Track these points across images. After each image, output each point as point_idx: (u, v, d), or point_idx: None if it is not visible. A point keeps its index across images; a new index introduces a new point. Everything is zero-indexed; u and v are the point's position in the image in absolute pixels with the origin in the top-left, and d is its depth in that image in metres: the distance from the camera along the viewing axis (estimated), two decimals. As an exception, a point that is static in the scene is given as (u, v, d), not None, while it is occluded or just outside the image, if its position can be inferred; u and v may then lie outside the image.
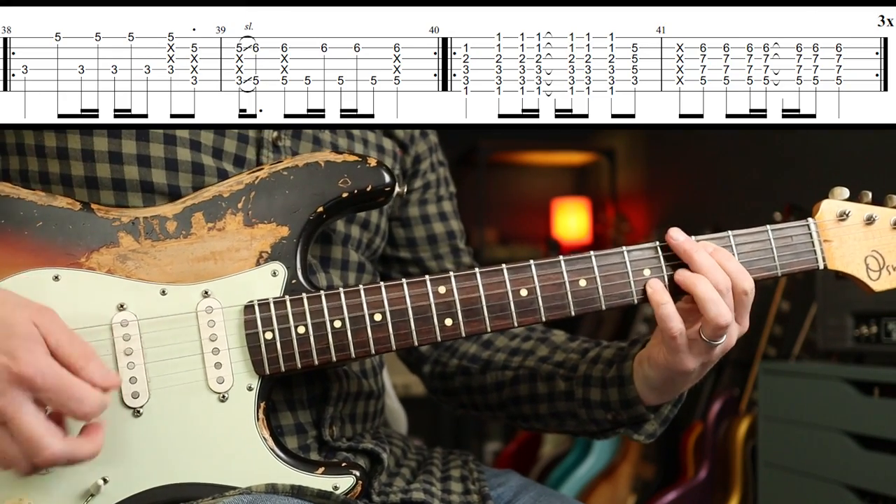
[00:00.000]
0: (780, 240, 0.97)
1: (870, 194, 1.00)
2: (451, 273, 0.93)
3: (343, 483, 0.90)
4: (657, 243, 0.96)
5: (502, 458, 3.79)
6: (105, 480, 0.86)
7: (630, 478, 3.08)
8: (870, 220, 0.98)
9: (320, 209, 0.94)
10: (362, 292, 0.91)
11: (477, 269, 0.93)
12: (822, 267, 0.98)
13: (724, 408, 2.68)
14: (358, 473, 0.91)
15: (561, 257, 0.94)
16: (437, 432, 4.13)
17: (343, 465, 0.92)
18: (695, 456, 2.74)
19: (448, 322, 0.92)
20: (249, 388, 0.90)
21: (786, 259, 0.97)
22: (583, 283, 0.94)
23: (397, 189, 0.97)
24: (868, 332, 1.81)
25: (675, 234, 0.94)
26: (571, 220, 4.34)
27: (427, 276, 0.93)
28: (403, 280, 0.92)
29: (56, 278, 0.88)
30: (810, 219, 0.98)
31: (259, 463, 0.89)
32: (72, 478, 0.86)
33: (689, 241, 0.93)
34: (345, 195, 0.95)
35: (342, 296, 0.91)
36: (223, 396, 0.90)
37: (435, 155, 1.23)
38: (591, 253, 0.95)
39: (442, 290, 0.92)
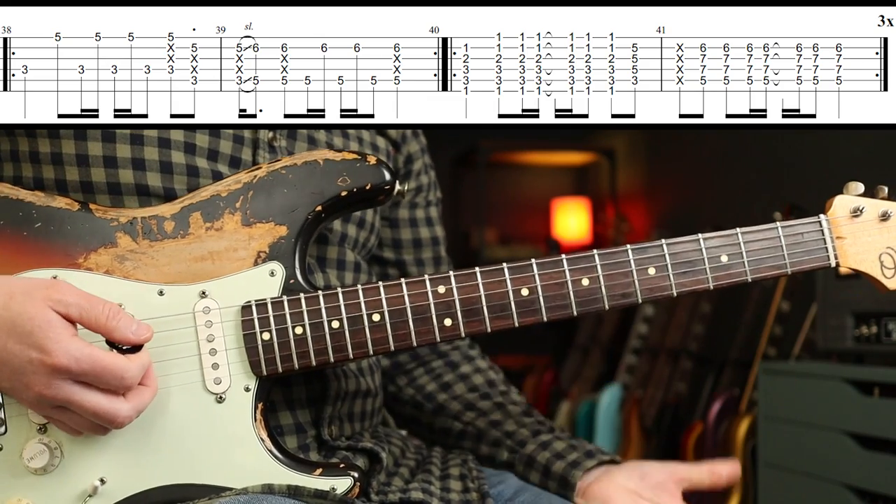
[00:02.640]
0: (790, 237, 0.94)
1: (886, 189, 0.97)
2: (451, 273, 0.92)
3: (340, 484, 0.90)
4: (663, 241, 0.94)
5: (502, 457, 3.78)
6: (103, 481, 0.86)
7: (630, 478, 3.08)
8: (885, 217, 0.95)
9: (319, 208, 0.94)
10: (360, 292, 0.91)
11: (477, 269, 0.92)
12: (834, 265, 0.95)
13: (724, 408, 2.68)
14: (356, 475, 0.91)
15: (563, 256, 0.93)
16: (437, 432, 4.12)
17: (341, 466, 0.92)
18: (695, 456, 2.74)
19: (447, 322, 0.91)
20: (247, 389, 0.90)
21: (796, 257, 0.95)
22: (585, 281, 0.92)
23: (398, 187, 0.96)
24: (868, 332, 1.81)
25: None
26: (571, 220, 4.34)
27: (426, 276, 0.92)
28: (402, 280, 0.92)
29: (54, 279, 0.88)
30: (822, 215, 0.96)
31: (256, 464, 0.89)
32: (70, 478, 0.86)
33: None
34: (344, 194, 0.94)
35: (340, 296, 0.91)
36: (220, 397, 0.89)
37: (426, 156, 1.24)
38: (595, 251, 0.93)
39: (441, 289, 0.92)
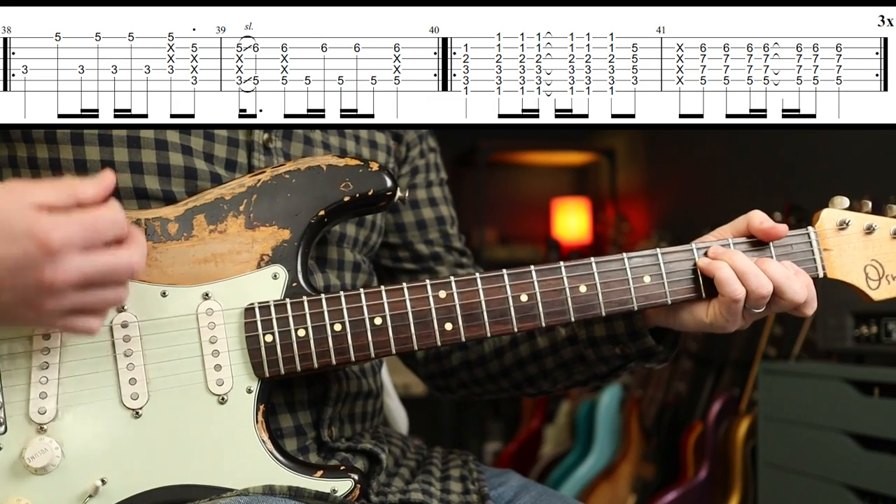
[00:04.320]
0: (779, 248, 0.97)
1: (870, 203, 1.00)
2: (452, 278, 0.93)
3: (341, 486, 0.90)
4: (658, 251, 0.96)
5: (502, 458, 3.79)
6: (104, 481, 0.86)
7: (630, 478, 3.08)
8: (869, 230, 0.98)
9: (322, 213, 0.94)
10: (363, 296, 0.91)
11: (478, 275, 0.93)
12: (821, 275, 0.98)
13: (724, 408, 2.68)
14: (356, 477, 0.91)
15: (561, 263, 0.94)
16: (437, 432, 4.13)
17: (342, 468, 0.92)
18: (695, 456, 2.74)
19: (448, 327, 0.92)
20: (249, 391, 0.90)
21: None
22: (583, 288, 0.94)
23: (399, 193, 0.97)
24: (868, 332, 1.81)
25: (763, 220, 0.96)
26: (571, 220, 4.34)
27: (427, 281, 0.93)
28: (404, 284, 0.92)
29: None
30: (810, 227, 0.98)
31: (257, 466, 0.89)
32: (71, 478, 0.86)
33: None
34: (346, 199, 0.95)
35: (343, 299, 0.91)
36: (222, 399, 0.89)
37: (425, 142, 1.23)
38: (592, 259, 0.95)
39: (442, 294, 0.92)
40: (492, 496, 1.04)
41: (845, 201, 0.99)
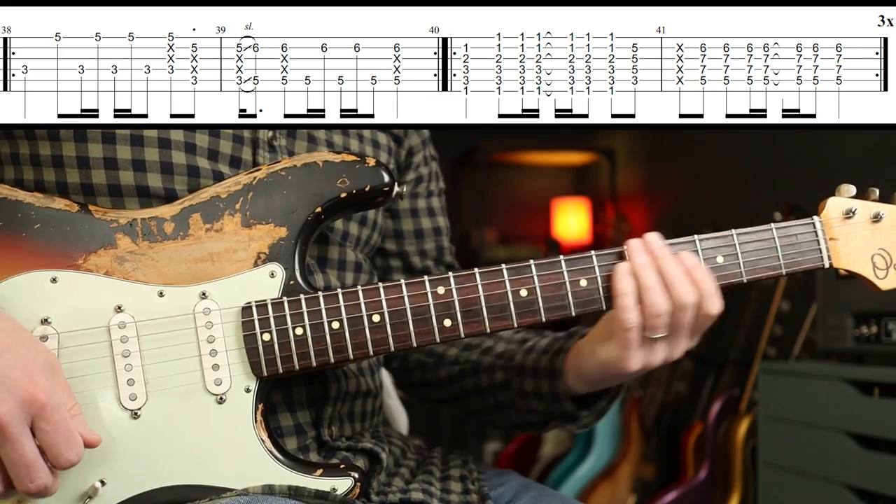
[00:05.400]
0: (784, 238, 0.95)
1: (877, 191, 0.98)
2: (451, 273, 0.92)
3: (341, 485, 0.90)
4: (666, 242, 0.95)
5: (502, 458, 3.79)
6: (103, 482, 0.86)
7: (630, 478, 3.08)
8: (877, 218, 0.97)
9: (318, 209, 0.94)
10: (360, 293, 0.91)
11: (476, 270, 0.93)
12: (827, 266, 0.96)
13: (724, 408, 2.68)
14: (356, 475, 0.91)
15: (561, 257, 0.94)
16: (437, 432, 4.12)
17: (341, 466, 0.92)
18: (695, 456, 2.74)
19: (447, 323, 0.92)
20: (247, 390, 0.90)
21: (790, 258, 0.95)
22: (583, 282, 0.93)
23: (396, 189, 0.97)
24: (868, 332, 1.81)
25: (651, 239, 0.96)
26: (571, 220, 4.34)
27: (426, 277, 0.92)
28: (402, 280, 0.92)
29: (54, 280, 0.88)
30: (816, 217, 0.97)
31: (257, 465, 0.89)
32: (70, 480, 0.86)
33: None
34: (343, 195, 0.95)
35: (340, 297, 0.91)
36: (221, 398, 0.89)
37: (428, 149, 1.23)
38: (592, 252, 0.94)
39: (441, 290, 0.92)
40: (491, 496, 1.04)
41: (852, 189, 0.98)
